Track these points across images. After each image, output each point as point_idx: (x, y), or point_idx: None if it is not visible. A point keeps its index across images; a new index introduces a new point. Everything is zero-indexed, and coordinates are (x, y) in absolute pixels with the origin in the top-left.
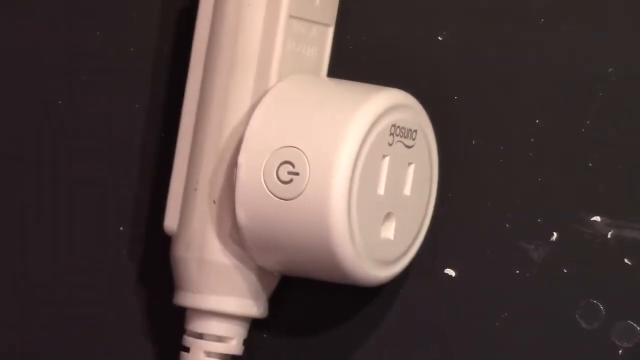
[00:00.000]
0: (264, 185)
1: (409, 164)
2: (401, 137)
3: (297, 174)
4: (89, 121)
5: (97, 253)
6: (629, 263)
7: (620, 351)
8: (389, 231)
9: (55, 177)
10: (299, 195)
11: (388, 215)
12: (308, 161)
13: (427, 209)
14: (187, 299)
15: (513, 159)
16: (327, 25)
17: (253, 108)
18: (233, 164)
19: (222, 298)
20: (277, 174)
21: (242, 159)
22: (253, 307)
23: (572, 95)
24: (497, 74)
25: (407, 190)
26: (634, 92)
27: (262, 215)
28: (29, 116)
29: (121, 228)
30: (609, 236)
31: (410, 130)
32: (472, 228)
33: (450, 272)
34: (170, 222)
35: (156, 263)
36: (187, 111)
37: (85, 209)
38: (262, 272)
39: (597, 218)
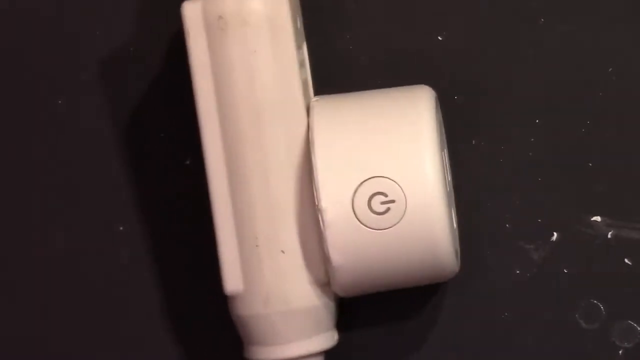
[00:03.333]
0: (359, 222)
1: (443, 150)
2: (440, 127)
3: (392, 201)
4: (88, 121)
5: (100, 258)
6: (629, 263)
7: (620, 351)
8: (454, 221)
9: (54, 177)
10: (399, 221)
11: (450, 206)
12: (400, 186)
13: (451, 187)
14: (273, 352)
15: (513, 159)
16: (304, 42)
17: (292, 150)
18: (293, 212)
19: (313, 339)
20: (370, 207)
21: (324, 204)
22: (334, 336)
23: (572, 95)
24: (497, 74)
25: (448, 176)
26: (634, 92)
27: (361, 251)
28: (29, 116)
29: (121, 228)
30: (609, 236)
31: (440, 120)
32: (472, 228)
33: None
34: (234, 284)
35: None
36: (215, 176)
37: (84, 209)
38: (337, 300)
39: (597, 218)
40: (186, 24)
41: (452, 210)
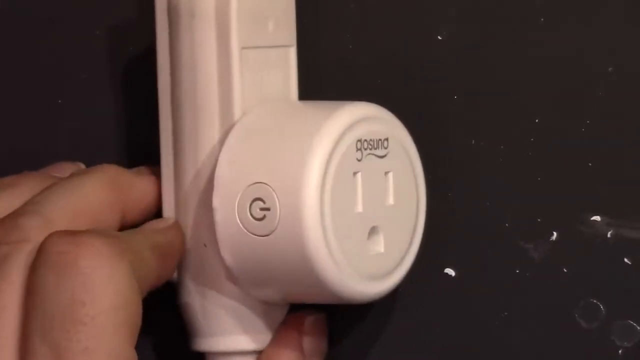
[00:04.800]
0: (241, 225)
1: (386, 173)
2: (370, 149)
3: (268, 209)
4: (88, 121)
5: None
6: (629, 262)
7: (620, 351)
8: (378, 245)
9: None
10: (273, 230)
11: (374, 229)
12: (276, 195)
13: (417, 213)
14: (201, 344)
15: (513, 158)
16: (287, 46)
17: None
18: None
19: (233, 337)
20: (250, 211)
21: (216, 202)
22: (265, 339)
23: (572, 95)
24: (497, 73)
25: (390, 200)
26: (634, 92)
27: (245, 255)
28: (29, 116)
29: None
30: (608, 235)
31: (380, 140)
32: (472, 228)
33: (450, 271)
34: None
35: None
36: (165, 160)
37: None
38: (266, 305)
39: (597, 217)
40: (156, 13)
41: (378, 232)
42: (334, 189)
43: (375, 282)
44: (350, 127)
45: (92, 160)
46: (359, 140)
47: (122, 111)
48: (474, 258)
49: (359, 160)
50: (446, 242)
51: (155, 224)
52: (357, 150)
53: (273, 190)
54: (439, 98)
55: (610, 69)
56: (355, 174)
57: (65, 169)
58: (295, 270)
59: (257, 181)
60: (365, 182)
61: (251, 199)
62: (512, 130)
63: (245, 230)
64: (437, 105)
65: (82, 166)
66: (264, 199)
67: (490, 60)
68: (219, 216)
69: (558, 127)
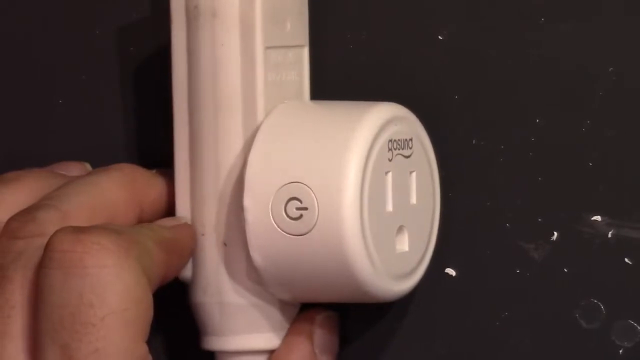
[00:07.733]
0: (275, 225)
1: (410, 172)
2: (399, 149)
3: (305, 208)
4: (88, 121)
5: None
6: (629, 262)
7: (620, 351)
8: (403, 244)
9: None
10: (311, 229)
11: (400, 229)
12: (315, 195)
13: (434, 212)
14: (213, 343)
15: (513, 158)
16: (301, 46)
17: (247, 146)
18: (237, 206)
19: (248, 337)
20: (285, 211)
21: (247, 202)
22: (279, 338)
23: (572, 95)
24: (497, 73)
25: (413, 199)
26: (634, 92)
27: (278, 255)
28: (29, 116)
29: None
30: (609, 236)
31: (406, 140)
32: (472, 228)
33: (451, 271)
34: (184, 271)
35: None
36: (180, 158)
37: None
38: (282, 304)
39: (598, 218)
40: (172, 11)
41: (404, 231)
42: (370, 189)
43: (400, 280)
44: (383, 127)
45: (92, 160)
46: (390, 140)
47: (123, 111)
48: (474, 258)
49: (389, 160)
50: (446, 242)
51: (163, 221)
52: (388, 150)
53: (311, 189)
54: (439, 98)
55: (610, 69)
56: (386, 173)
57: (70, 167)
58: (331, 269)
59: (292, 181)
60: (394, 181)
61: (286, 199)
62: (512, 130)
63: (280, 230)
64: (437, 105)
65: (88, 166)
66: (301, 198)
67: (490, 60)
68: (251, 216)
69: (558, 127)
